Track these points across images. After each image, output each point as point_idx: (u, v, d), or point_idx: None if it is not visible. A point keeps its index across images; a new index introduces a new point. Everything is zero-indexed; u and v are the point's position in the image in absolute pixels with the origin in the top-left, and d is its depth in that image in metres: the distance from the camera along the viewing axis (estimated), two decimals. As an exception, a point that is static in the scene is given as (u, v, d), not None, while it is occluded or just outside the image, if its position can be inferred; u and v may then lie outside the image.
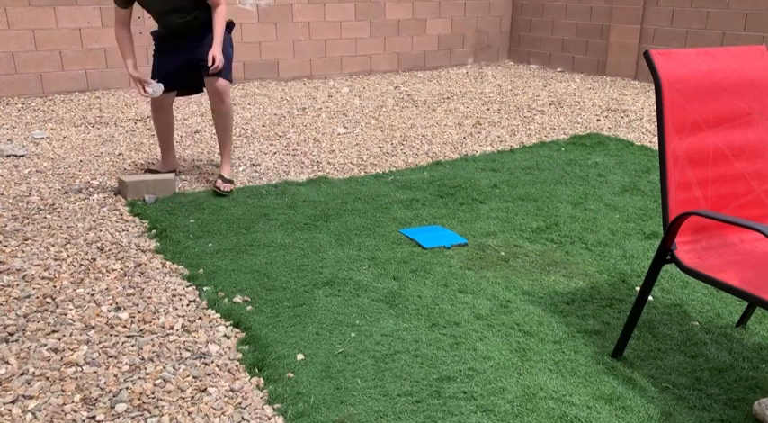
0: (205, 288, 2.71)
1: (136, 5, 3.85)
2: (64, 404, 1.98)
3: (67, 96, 6.43)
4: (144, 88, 3.64)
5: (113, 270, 2.85)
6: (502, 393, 2.05)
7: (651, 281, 2.11)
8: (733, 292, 1.89)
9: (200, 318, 2.49)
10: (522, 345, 2.33)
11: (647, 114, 6.00)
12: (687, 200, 2.11)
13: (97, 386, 2.06)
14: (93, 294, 2.64)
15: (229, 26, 3.80)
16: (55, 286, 2.70)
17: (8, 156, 4.50)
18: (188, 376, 2.13)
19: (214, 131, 5.27)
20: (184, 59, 3.81)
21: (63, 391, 2.04)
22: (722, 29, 6.73)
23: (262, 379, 2.12)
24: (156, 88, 3.64)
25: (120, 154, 4.60)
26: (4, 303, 2.54)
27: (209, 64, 3.55)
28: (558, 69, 8.46)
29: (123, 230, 3.29)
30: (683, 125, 2.11)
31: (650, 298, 2.68)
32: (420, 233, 3.27)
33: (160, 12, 3.67)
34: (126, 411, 1.95)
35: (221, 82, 3.71)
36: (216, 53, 3.56)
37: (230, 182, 3.89)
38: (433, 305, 2.59)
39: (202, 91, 4.03)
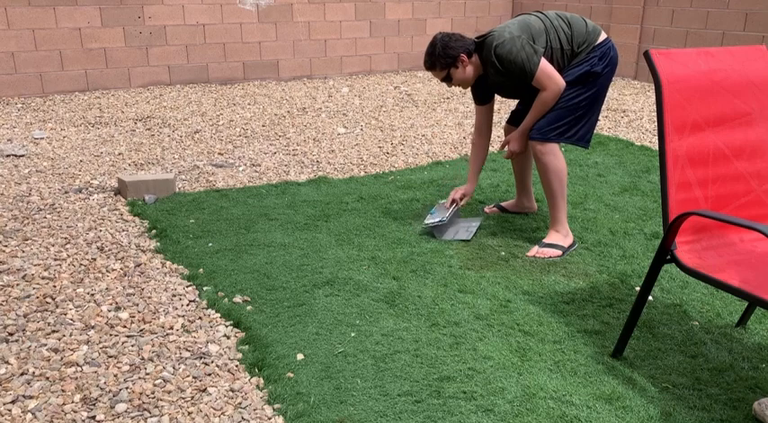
0: (205, 288, 2.71)
1: None
2: (64, 404, 1.98)
3: (67, 96, 6.43)
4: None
5: (113, 270, 2.85)
6: (502, 393, 2.05)
7: (651, 281, 2.11)
8: (733, 292, 1.89)
9: (200, 318, 2.49)
10: (522, 345, 2.33)
11: (647, 114, 6.00)
12: (687, 200, 2.11)
13: (97, 386, 2.06)
14: (93, 294, 2.64)
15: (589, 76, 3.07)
16: (55, 286, 2.70)
17: (8, 156, 4.50)
18: (188, 376, 2.13)
19: (214, 131, 5.27)
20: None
21: (63, 391, 2.04)
22: (722, 29, 6.73)
23: (262, 379, 2.12)
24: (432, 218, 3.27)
25: (120, 154, 4.60)
26: (4, 303, 2.54)
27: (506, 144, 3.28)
28: (558, 69, 8.45)
29: (123, 230, 3.29)
30: (683, 125, 2.11)
31: (650, 298, 2.68)
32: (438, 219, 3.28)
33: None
34: (126, 411, 1.95)
35: (532, 143, 3.13)
36: (514, 140, 3.21)
37: (554, 247, 3.10)
38: (433, 305, 2.59)
39: None
